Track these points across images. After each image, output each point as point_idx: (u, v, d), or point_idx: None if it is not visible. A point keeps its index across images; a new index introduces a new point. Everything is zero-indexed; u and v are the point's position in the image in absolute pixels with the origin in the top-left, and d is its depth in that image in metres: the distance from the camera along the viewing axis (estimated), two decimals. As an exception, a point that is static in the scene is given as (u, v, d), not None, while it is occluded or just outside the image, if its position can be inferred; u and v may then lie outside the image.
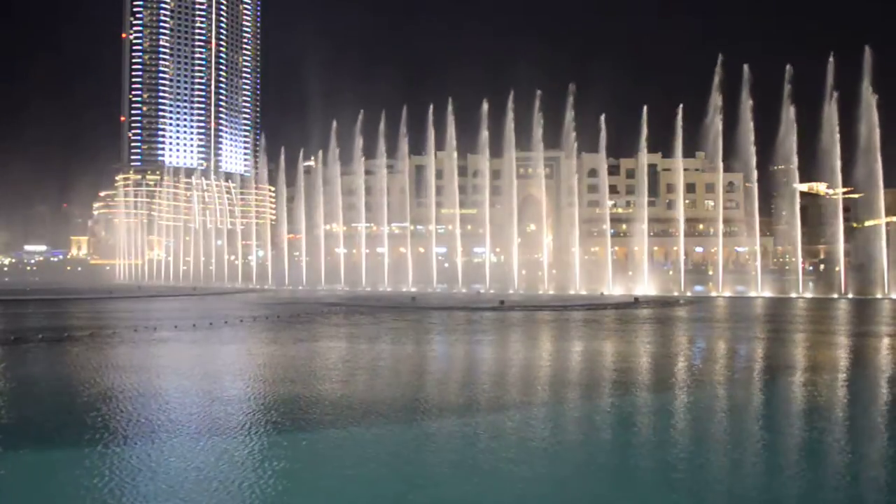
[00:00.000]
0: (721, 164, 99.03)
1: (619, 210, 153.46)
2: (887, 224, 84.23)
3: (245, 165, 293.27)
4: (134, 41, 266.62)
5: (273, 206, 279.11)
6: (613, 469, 13.56)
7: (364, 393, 21.02)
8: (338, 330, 41.54)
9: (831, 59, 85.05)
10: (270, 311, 55.04)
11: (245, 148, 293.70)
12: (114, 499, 11.60)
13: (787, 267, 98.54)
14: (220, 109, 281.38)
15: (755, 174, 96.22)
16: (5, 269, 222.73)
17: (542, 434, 15.97)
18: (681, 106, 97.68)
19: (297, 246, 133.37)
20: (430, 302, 66.56)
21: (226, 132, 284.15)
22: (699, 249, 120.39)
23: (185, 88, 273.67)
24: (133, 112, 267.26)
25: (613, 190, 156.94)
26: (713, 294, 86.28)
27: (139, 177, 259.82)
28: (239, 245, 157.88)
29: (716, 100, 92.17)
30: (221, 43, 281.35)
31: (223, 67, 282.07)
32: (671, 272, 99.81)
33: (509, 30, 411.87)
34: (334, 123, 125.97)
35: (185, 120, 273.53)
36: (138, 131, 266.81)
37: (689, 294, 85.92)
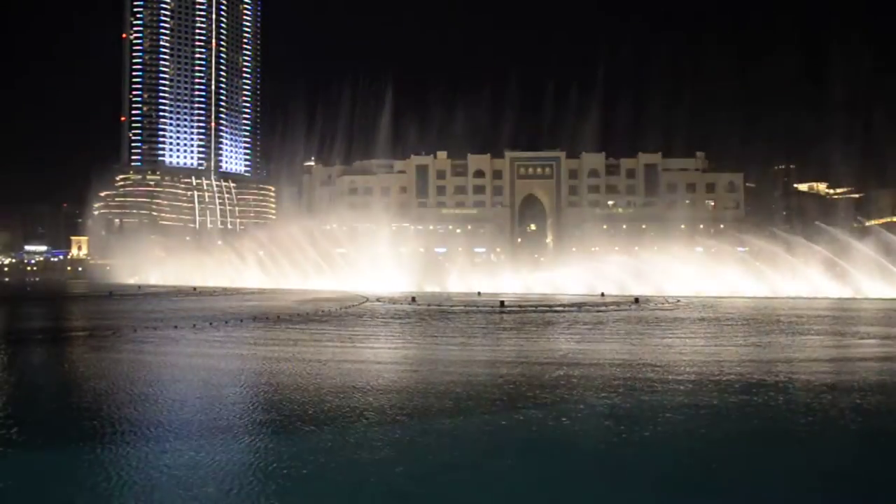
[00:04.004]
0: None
1: (620, 210, 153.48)
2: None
3: (245, 165, 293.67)
4: (134, 41, 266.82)
5: (273, 205, 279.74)
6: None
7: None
8: (349, 331, 41.50)
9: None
10: (269, 311, 55.13)
11: (245, 148, 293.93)
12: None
13: None
14: (220, 109, 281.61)
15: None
16: (6, 269, 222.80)
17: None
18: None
19: (298, 245, 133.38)
20: (429, 302, 67.04)
21: (226, 132, 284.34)
22: (699, 250, 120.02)
23: (185, 88, 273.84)
24: (133, 112, 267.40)
25: (614, 190, 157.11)
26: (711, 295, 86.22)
27: (139, 177, 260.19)
28: (239, 245, 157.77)
29: None
30: (221, 43, 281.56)
31: (223, 67, 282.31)
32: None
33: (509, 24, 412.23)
34: (332, 124, 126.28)
35: (185, 120, 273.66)
36: (138, 131, 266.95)
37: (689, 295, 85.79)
